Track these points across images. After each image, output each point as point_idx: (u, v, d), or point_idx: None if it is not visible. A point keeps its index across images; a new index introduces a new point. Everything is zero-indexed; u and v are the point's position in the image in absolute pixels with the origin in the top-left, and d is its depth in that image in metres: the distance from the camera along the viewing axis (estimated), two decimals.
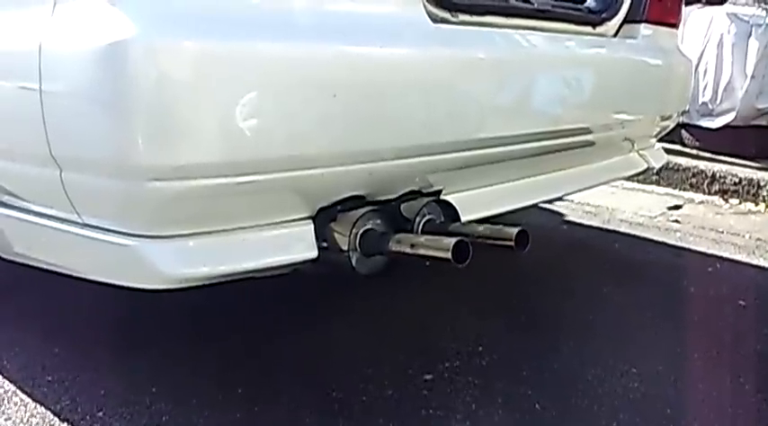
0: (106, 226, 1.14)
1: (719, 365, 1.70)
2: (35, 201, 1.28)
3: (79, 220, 1.18)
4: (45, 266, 1.35)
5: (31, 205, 1.29)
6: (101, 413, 1.41)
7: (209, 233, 1.15)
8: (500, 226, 1.39)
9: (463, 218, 1.47)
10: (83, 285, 1.32)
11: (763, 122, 3.77)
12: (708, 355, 1.75)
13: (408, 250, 1.27)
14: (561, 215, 2.97)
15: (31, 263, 1.39)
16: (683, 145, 4.00)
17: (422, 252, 1.25)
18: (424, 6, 1.33)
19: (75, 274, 1.29)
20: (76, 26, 1.04)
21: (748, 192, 3.38)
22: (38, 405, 1.44)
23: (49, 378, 1.54)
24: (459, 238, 1.21)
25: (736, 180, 3.44)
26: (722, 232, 2.87)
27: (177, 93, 1.00)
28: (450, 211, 1.46)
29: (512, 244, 1.33)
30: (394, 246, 1.29)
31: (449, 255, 1.20)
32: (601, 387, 1.57)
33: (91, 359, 1.61)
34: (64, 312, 1.85)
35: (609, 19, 1.83)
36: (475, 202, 1.53)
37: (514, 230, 1.33)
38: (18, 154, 1.22)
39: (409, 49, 1.28)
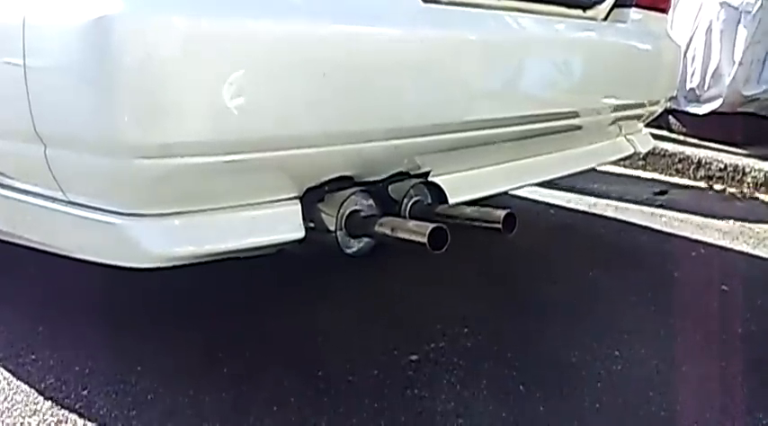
0: (91, 204, 1.13)
1: (702, 348, 1.72)
2: (19, 179, 1.26)
3: (64, 198, 1.17)
4: (30, 244, 1.34)
5: (15, 182, 1.28)
6: (85, 392, 1.41)
7: (196, 212, 1.15)
8: (487, 209, 1.39)
9: (451, 200, 1.47)
10: (68, 263, 1.31)
11: (749, 109, 3.79)
12: (691, 339, 1.78)
13: (389, 233, 1.27)
14: (547, 199, 2.98)
15: (15, 241, 1.38)
16: (670, 130, 4.02)
17: (400, 235, 1.25)
18: None
19: (60, 253, 1.28)
20: (62, 0, 1.02)
21: (733, 178, 3.41)
22: (22, 384, 1.43)
23: (34, 357, 1.53)
24: (436, 225, 1.21)
25: (722, 166, 3.46)
26: (707, 217, 2.89)
27: (165, 70, 0.99)
28: (438, 193, 1.46)
29: (499, 226, 1.33)
30: (378, 228, 1.29)
31: (425, 241, 1.20)
32: (584, 370, 1.58)
33: (76, 337, 1.61)
34: (49, 290, 1.84)
35: (599, 2, 1.83)
36: (463, 184, 1.53)
37: (502, 213, 1.34)
38: (1, 130, 1.20)
39: (399, 29, 1.27)
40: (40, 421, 1.32)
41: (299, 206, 1.26)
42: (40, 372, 1.48)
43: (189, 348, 1.60)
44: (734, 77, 3.70)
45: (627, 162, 3.55)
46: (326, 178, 1.29)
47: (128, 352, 1.55)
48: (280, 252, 1.35)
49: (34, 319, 1.68)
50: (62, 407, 1.36)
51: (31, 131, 1.09)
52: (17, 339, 1.60)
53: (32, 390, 1.42)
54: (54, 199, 1.19)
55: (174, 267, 1.16)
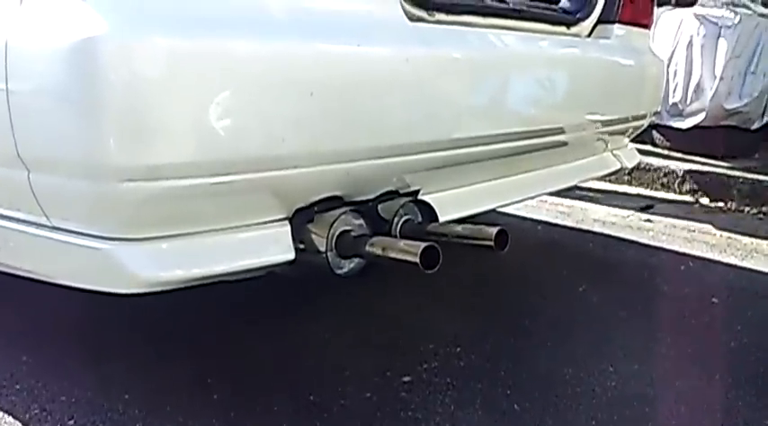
0: (77, 229, 1.11)
1: (694, 362, 1.72)
2: (1, 204, 1.24)
3: (48, 223, 1.14)
4: (13, 271, 1.31)
5: None
6: (72, 422, 1.37)
7: (184, 235, 1.13)
8: (479, 226, 1.38)
9: (441, 219, 1.46)
10: (52, 290, 1.28)
11: (731, 123, 3.82)
12: (683, 352, 1.77)
13: (380, 253, 1.25)
14: (535, 215, 2.98)
15: None
16: (654, 145, 4.05)
17: (392, 255, 1.24)
18: (402, 5, 1.32)
19: (44, 279, 1.25)
20: (45, 22, 1.01)
21: (718, 191, 3.43)
22: (6, 415, 1.40)
23: (18, 387, 1.49)
24: (427, 244, 1.20)
25: (707, 179, 3.48)
26: (694, 230, 2.91)
27: (150, 92, 0.98)
28: (429, 211, 1.45)
29: (491, 243, 1.33)
30: (369, 248, 1.27)
31: (417, 260, 1.19)
32: (579, 387, 1.57)
33: (61, 366, 1.57)
34: (33, 318, 1.80)
35: (583, 19, 1.85)
36: (453, 202, 1.53)
37: (494, 230, 1.33)
38: None
39: (386, 48, 1.27)
40: None
41: (289, 227, 1.25)
42: (24, 402, 1.44)
43: (177, 374, 1.57)
44: (716, 91, 3.74)
45: (612, 177, 3.57)
46: (316, 198, 1.27)
47: (114, 380, 1.52)
48: (269, 275, 1.34)
49: (18, 347, 1.64)
50: None
51: (14, 156, 1.07)
52: (0, 368, 1.56)
53: (17, 421, 1.38)
54: (37, 225, 1.17)
55: (162, 292, 1.14)
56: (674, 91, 3.87)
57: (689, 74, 3.82)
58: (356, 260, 1.33)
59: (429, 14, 1.38)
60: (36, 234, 1.17)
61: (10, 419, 1.38)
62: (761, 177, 3.42)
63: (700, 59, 3.78)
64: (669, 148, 3.98)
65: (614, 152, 2.18)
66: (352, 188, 1.33)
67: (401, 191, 1.45)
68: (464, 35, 1.46)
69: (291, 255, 1.24)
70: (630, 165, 2.26)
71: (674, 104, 3.89)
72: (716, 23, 3.73)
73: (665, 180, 3.59)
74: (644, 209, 3.24)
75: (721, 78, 3.72)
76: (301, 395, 1.48)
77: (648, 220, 3.05)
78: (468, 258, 1.58)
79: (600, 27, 1.90)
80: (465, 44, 1.46)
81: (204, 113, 1.03)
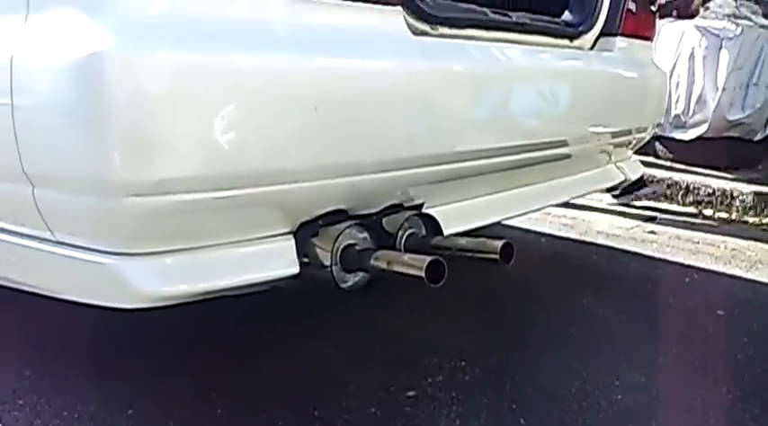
0: (81, 244, 1.11)
1: (701, 375, 1.71)
2: (5, 219, 1.24)
3: (53, 238, 1.14)
4: (16, 286, 1.31)
5: (1, 222, 1.25)
6: None
7: (188, 249, 1.12)
8: (484, 240, 1.38)
9: (446, 232, 1.45)
10: (56, 305, 1.28)
11: (734, 134, 3.83)
12: (689, 365, 1.76)
13: (385, 266, 1.25)
14: (539, 228, 2.97)
15: (1, 283, 1.35)
16: (657, 157, 4.05)
17: (397, 269, 1.23)
18: (405, 19, 1.32)
19: (48, 294, 1.25)
20: (51, 38, 1.01)
21: (722, 203, 3.43)
22: None
23: (21, 402, 1.49)
24: (433, 257, 1.19)
25: (710, 191, 3.48)
26: (698, 242, 2.90)
27: (155, 107, 0.98)
28: (433, 225, 1.45)
29: (496, 257, 1.32)
30: (374, 262, 1.27)
31: (422, 274, 1.18)
32: (585, 400, 1.56)
33: (64, 381, 1.57)
34: (35, 333, 1.80)
35: (585, 32, 1.85)
36: (457, 215, 1.52)
37: (499, 243, 1.32)
38: None
39: (390, 62, 1.27)
40: None
41: (293, 241, 1.24)
42: (27, 418, 1.43)
43: (181, 388, 1.56)
44: (718, 103, 3.75)
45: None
46: (320, 212, 1.27)
47: (117, 395, 1.51)
48: (273, 288, 1.33)
49: (20, 363, 1.63)
50: None
51: (18, 171, 1.07)
52: (3, 384, 1.55)
53: None
54: (41, 240, 1.17)
55: (166, 307, 1.14)
56: (677, 102, 3.87)
57: (691, 85, 3.83)
58: (360, 274, 1.32)
59: (432, 28, 1.38)
60: (40, 248, 1.17)
61: None
62: (764, 188, 3.42)
63: (702, 71, 3.79)
64: (672, 160, 3.98)
65: (618, 164, 2.18)
66: (356, 201, 1.32)
67: (405, 205, 1.44)
68: (467, 49, 1.46)
69: (296, 269, 1.23)
70: (634, 177, 2.26)
71: (677, 116, 3.89)
72: (717, 35, 3.74)
73: (668, 191, 3.59)
74: (648, 221, 3.23)
75: (723, 89, 3.73)
76: (305, 410, 1.47)
77: (652, 232, 3.04)
78: (472, 271, 1.58)
79: (602, 40, 1.90)
80: (468, 57, 1.46)
81: (209, 128, 1.02)
